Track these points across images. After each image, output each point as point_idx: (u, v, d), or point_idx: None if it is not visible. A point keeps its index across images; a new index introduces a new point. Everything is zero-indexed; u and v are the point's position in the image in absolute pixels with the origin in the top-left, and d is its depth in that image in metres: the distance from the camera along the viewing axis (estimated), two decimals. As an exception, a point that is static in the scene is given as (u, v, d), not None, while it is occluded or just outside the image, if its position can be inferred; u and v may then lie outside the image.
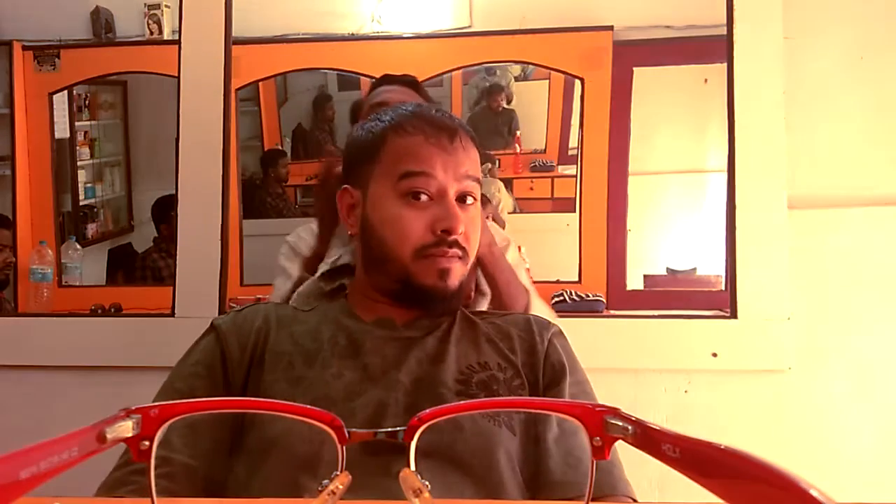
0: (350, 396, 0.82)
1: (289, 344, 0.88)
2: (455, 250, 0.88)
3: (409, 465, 0.43)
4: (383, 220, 0.89)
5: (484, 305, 1.23)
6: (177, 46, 1.79)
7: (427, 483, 0.42)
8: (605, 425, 0.41)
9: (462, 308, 0.97)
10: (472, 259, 0.91)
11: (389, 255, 0.89)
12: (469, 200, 0.90)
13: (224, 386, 0.86)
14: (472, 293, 1.19)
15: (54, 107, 3.09)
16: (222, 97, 1.77)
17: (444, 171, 0.88)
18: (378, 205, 0.90)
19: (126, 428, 0.40)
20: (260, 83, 3.21)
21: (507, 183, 3.46)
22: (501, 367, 0.88)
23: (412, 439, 0.43)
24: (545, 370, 0.89)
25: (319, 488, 0.43)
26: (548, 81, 3.30)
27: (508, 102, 3.36)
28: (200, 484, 0.79)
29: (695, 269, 2.83)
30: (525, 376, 0.88)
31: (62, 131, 3.17)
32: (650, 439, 0.39)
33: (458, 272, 0.89)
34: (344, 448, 0.43)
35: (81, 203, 3.40)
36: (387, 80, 1.53)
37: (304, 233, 1.50)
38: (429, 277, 0.87)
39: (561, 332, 0.95)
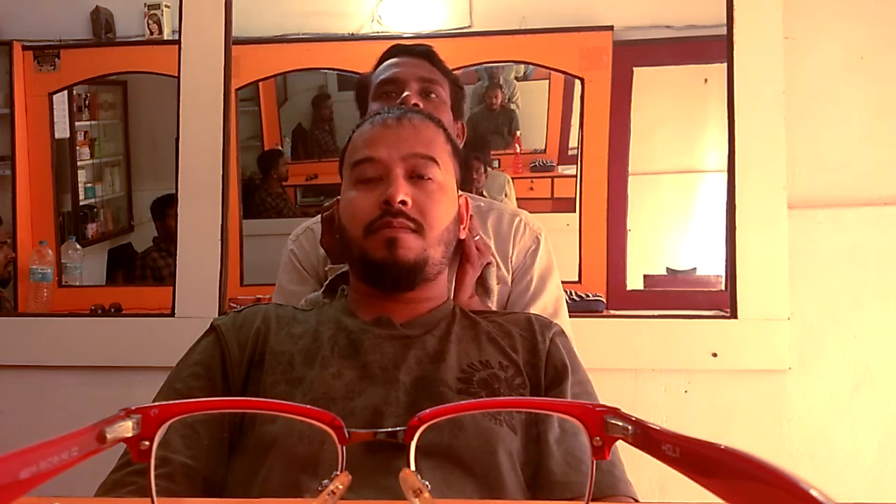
0: (350, 396, 0.82)
1: (288, 344, 0.89)
2: (401, 220, 0.88)
3: (408, 466, 0.43)
4: (342, 209, 0.94)
5: (491, 305, 1.19)
6: (177, 46, 1.79)
7: (427, 483, 0.42)
8: (605, 425, 0.41)
9: (461, 307, 0.97)
10: (433, 233, 0.89)
11: (348, 237, 0.92)
12: (426, 177, 0.91)
13: (223, 387, 0.86)
14: (473, 291, 1.17)
15: (54, 107, 3.09)
16: (222, 97, 1.77)
17: (388, 151, 0.90)
18: (342, 197, 0.95)
19: (126, 428, 0.40)
20: (260, 83, 3.21)
21: (507, 183, 3.46)
22: (503, 365, 0.88)
23: (412, 439, 0.43)
24: (547, 370, 0.89)
25: (319, 488, 0.43)
26: (548, 81, 3.30)
27: (509, 101, 3.36)
28: (200, 484, 0.79)
29: (695, 269, 2.83)
30: (527, 375, 0.88)
31: (62, 131, 3.17)
32: (650, 439, 0.39)
33: (410, 243, 0.88)
34: (344, 448, 0.43)
35: (81, 203, 3.39)
36: (396, 51, 1.32)
37: (305, 240, 1.38)
38: (378, 250, 0.88)
39: (563, 332, 0.95)
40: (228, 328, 0.91)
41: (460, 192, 0.99)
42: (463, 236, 0.99)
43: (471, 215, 1.04)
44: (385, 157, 0.90)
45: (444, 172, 0.92)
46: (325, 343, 0.88)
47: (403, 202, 0.87)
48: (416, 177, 0.90)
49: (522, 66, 3.25)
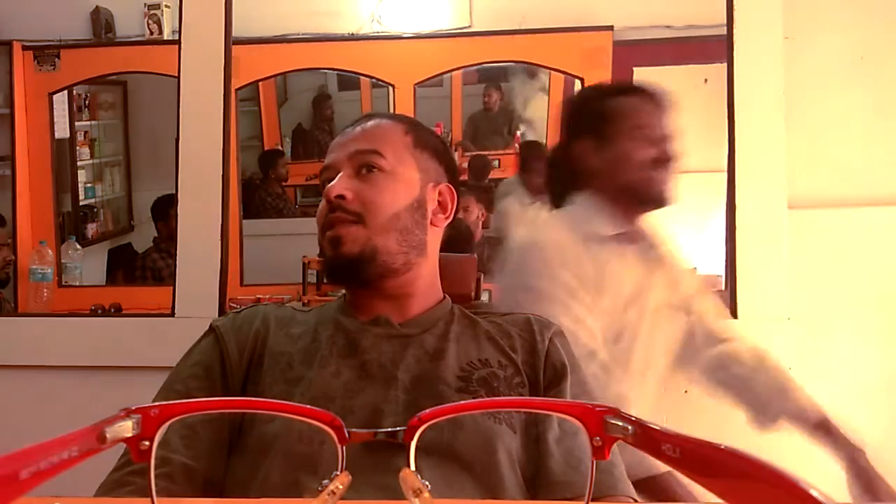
0: (349, 395, 0.82)
1: (287, 344, 0.89)
2: (340, 214, 0.89)
3: (408, 465, 0.43)
4: None
5: None
6: (177, 46, 1.79)
7: (427, 483, 0.42)
8: (605, 425, 0.41)
9: (460, 306, 0.97)
10: (377, 220, 0.89)
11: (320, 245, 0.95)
12: (372, 169, 0.92)
13: (223, 387, 0.86)
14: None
15: (54, 107, 3.09)
16: (222, 97, 1.77)
17: (338, 154, 0.94)
18: None
19: (126, 428, 0.40)
20: (260, 83, 3.21)
21: (507, 183, 3.46)
22: (502, 364, 0.88)
23: (412, 439, 0.43)
24: (546, 370, 0.89)
25: (319, 488, 0.43)
26: (548, 81, 3.31)
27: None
28: (200, 484, 0.79)
29: (695, 269, 2.83)
30: (525, 375, 0.88)
31: (62, 131, 3.17)
32: (650, 439, 0.39)
33: (353, 237, 0.89)
34: (344, 448, 0.43)
35: (81, 203, 3.40)
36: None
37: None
38: (327, 249, 0.91)
39: (561, 332, 0.95)
40: (227, 329, 0.91)
41: (442, 182, 0.97)
42: (440, 225, 0.97)
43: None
44: (335, 160, 0.93)
45: (395, 161, 0.92)
46: (323, 343, 0.88)
47: (341, 196, 0.89)
48: (363, 171, 0.92)
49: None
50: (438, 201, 0.96)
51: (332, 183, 0.90)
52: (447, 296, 0.98)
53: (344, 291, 1.02)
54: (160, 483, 0.75)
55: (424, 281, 0.94)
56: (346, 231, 0.88)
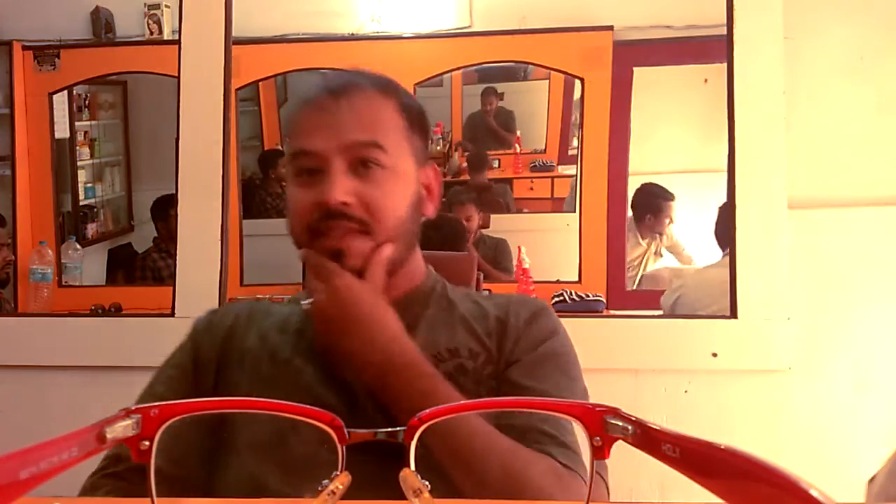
0: (314, 394, 0.80)
1: (256, 340, 0.86)
2: (345, 223, 0.78)
3: (408, 465, 0.43)
4: (287, 205, 0.84)
5: None
6: (177, 46, 1.79)
7: (427, 483, 0.42)
8: (605, 425, 0.41)
9: (451, 285, 0.91)
10: (385, 228, 0.79)
11: (295, 238, 0.83)
12: (371, 165, 0.79)
13: (195, 387, 0.84)
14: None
15: (54, 107, 3.09)
16: (222, 97, 1.77)
17: (326, 141, 0.79)
18: (287, 190, 0.86)
19: (126, 428, 0.40)
20: (260, 83, 3.21)
21: (507, 182, 3.47)
22: (473, 352, 0.83)
23: (412, 439, 0.43)
24: (519, 346, 0.84)
25: (319, 488, 0.43)
26: (548, 81, 3.31)
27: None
28: (177, 485, 0.77)
29: (695, 269, 2.83)
30: (498, 359, 0.84)
31: (62, 131, 3.17)
32: (650, 439, 0.39)
33: (358, 248, 0.78)
34: (344, 448, 0.43)
35: (81, 203, 3.39)
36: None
37: None
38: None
39: (545, 310, 0.88)
40: (203, 328, 0.90)
41: (428, 164, 0.89)
42: (433, 214, 0.88)
43: None
44: (321, 148, 0.79)
45: (395, 154, 0.81)
46: (290, 336, 0.86)
47: (344, 203, 0.78)
48: (359, 166, 0.80)
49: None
50: (425, 185, 0.87)
51: (329, 185, 0.77)
52: (433, 276, 0.91)
53: None
54: (118, 484, 0.74)
55: (409, 267, 0.87)
56: (351, 244, 0.78)
